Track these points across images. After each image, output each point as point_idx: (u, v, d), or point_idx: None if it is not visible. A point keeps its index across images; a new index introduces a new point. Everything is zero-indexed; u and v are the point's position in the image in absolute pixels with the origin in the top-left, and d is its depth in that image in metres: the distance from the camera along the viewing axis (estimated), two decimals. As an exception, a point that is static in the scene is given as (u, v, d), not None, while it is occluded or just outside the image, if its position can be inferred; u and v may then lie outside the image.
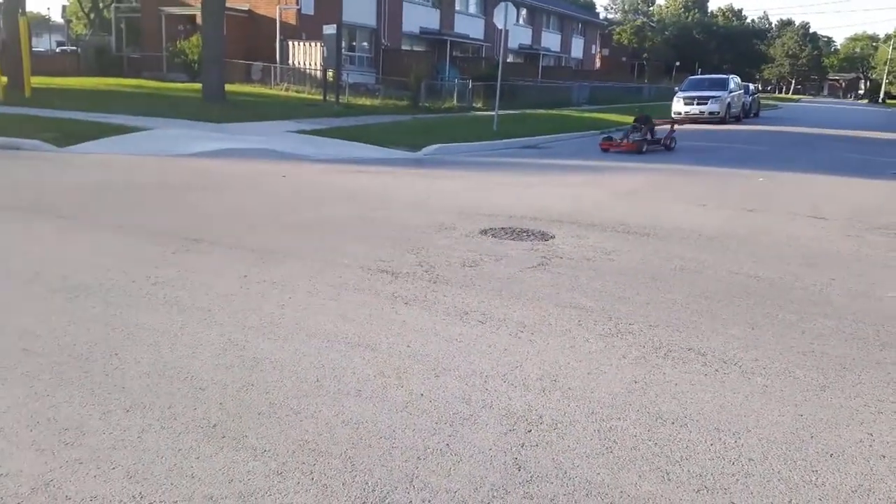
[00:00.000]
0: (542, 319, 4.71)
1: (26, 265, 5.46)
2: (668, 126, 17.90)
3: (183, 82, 29.12)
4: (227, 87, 22.86)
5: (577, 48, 62.97)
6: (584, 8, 72.53)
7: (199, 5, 23.86)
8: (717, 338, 4.49)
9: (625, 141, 16.27)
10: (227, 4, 23.20)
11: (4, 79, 19.67)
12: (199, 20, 26.94)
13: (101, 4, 52.92)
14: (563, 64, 58.04)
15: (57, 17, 76.52)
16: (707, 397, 3.64)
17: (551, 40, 57.71)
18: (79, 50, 41.30)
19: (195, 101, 21.07)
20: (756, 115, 36.06)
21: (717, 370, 3.98)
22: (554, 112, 28.44)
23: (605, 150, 16.23)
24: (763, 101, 43.80)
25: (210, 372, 3.70)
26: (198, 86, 23.54)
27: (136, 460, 2.87)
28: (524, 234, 7.29)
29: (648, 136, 16.42)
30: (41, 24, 71.91)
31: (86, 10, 56.33)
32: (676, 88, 32.44)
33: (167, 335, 4.16)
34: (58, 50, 53.33)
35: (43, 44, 64.50)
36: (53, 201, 8.07)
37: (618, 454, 3.06)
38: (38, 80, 21.57)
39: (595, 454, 3.05)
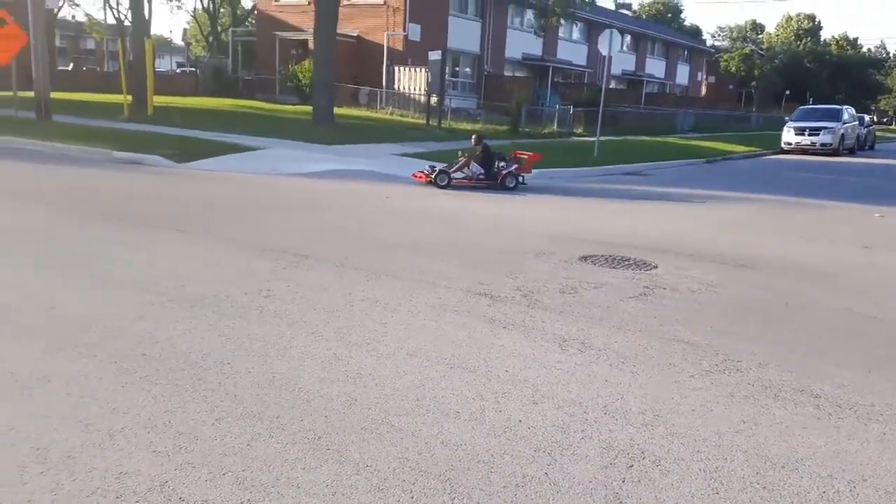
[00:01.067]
0: (644, 351, 4.62)
1: (147, 275, 5.78)
2: (526, 157, 13.44)
3: (294, 104, 30.25)
4: (336, 110, 23.59)
5: (682, 75, 61.80)
6: (689, 35, 71.18)
7: (311, 31, 24.79)
8: (831, 380, 4.28)
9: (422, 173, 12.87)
10: (338, 30, 24.01)
11: (130, 97, 20.99)
12: (311, 45, 27.99)
13: (219, 28, 55.87)
14: (667, 90, 57.05)
15: (178, 40, 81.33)
16: (820, 442, 3.48)
17: (655, 67, 56.88)
18: (197, 71, 43.63)
19: (305, 123, 21.85)
20: (871, 147, 34.35)
21: (830, 414, 3.80)
22: (657, 139, 27.95)
23: (428, 183, 12.71)
24: (879, 134, 41.68)
25: (316, 385, 3.81)
26: (308, 108, 24.41)
27: (244, 467, 2.99)
28: (625, 263, 7.18)
29: (473, 169, 12.83)
30: (163, 46, 76.45)
31: (205, 33, 59.60)
32: (786, 118, 31.31)
33: (276, 347, 4.32)
34: (178, 71, 56.60)
35: (164, 65, 68.43)
36: (173, 215, 8.53)
37: (724, 496, 2.96)
38: (159, 99, 22.88)
39: (700, 495, 2.97)
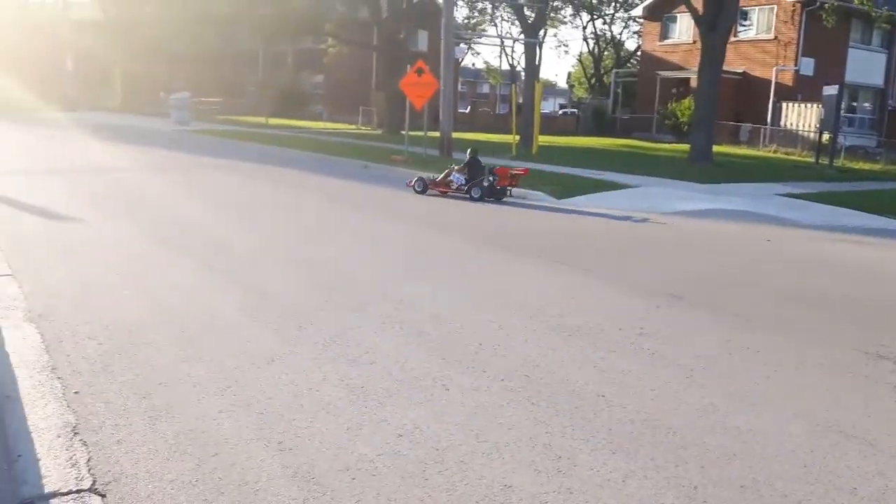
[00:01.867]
0: None
1: (531, 302, 6.16)
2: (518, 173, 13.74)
3: (669, 143, 29.97)
4: (714, 147, 22.81)
5: None
6: None
7: (695, 69, 24.36)
8: None
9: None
10: (723, 67, 23.24)
11: (517, 137, 22.68)
12: (693, 83, 27.52)
13: (601, 70, 57.82)
14: None
15: (562, 83, 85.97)
16: None
17: None
18: (578, 112, 45.55)
19: (680, 162, 21.50)
20: None
21: None
22: None
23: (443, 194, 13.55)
24: None
25: (691, 432, 3.70)
26: (684, 146, 23.98)
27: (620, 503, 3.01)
28: None
29: (455, 178, 13.44)
30: (548, 88, 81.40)
31: (588, 75, 62.10)
32: None
33: (650, 387, 4.29)
34: (560, 112, 59.75)
35: (548, 106, 72.67)
36: (554, 248, 8.99)
37: None
38: (543, 139, 24.31)
39: None
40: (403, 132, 19.96)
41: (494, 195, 13.21)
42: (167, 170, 15.59)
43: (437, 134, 20.57)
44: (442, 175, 13.75)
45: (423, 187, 13.58)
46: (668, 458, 3.40)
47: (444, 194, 13.35)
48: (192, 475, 3.05)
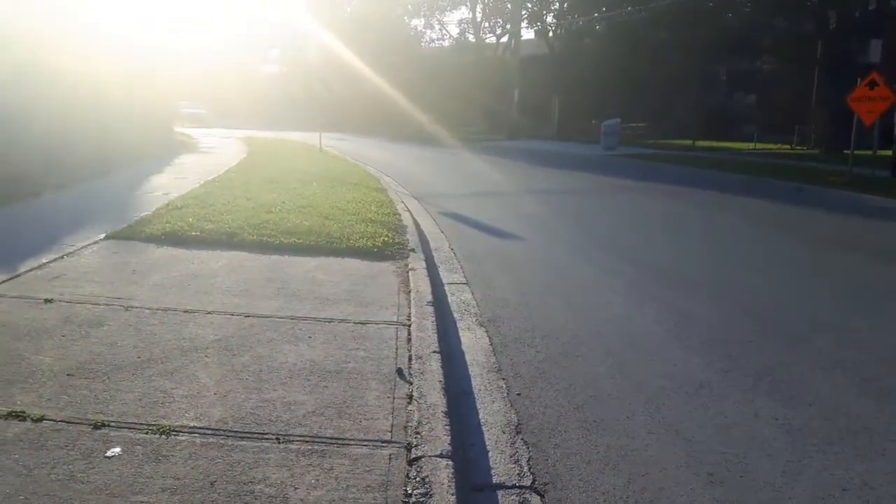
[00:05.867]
0: None
1: None
2: None
3: None
4: None
5: None
6: None
7: None
8: None
9: None
10: None
11: None
12: None
13: None
14: None
15: None
16: None
17: None
18: None
19: None
20: None
21: None
22: None
23: None
24: None
25: None
26: None
27: None
28: None
29: None
30: None
31: None
32: None
33: None
34: None
35: None
36: None
37: None
38: None
39: None
40: (846, 152, 17.95)
41: None
42: (590, 192, 16.28)
43: (889, 153, 18.12)
44: None
45: None
46: None
47: None
48: (622, 491, 3.14)
